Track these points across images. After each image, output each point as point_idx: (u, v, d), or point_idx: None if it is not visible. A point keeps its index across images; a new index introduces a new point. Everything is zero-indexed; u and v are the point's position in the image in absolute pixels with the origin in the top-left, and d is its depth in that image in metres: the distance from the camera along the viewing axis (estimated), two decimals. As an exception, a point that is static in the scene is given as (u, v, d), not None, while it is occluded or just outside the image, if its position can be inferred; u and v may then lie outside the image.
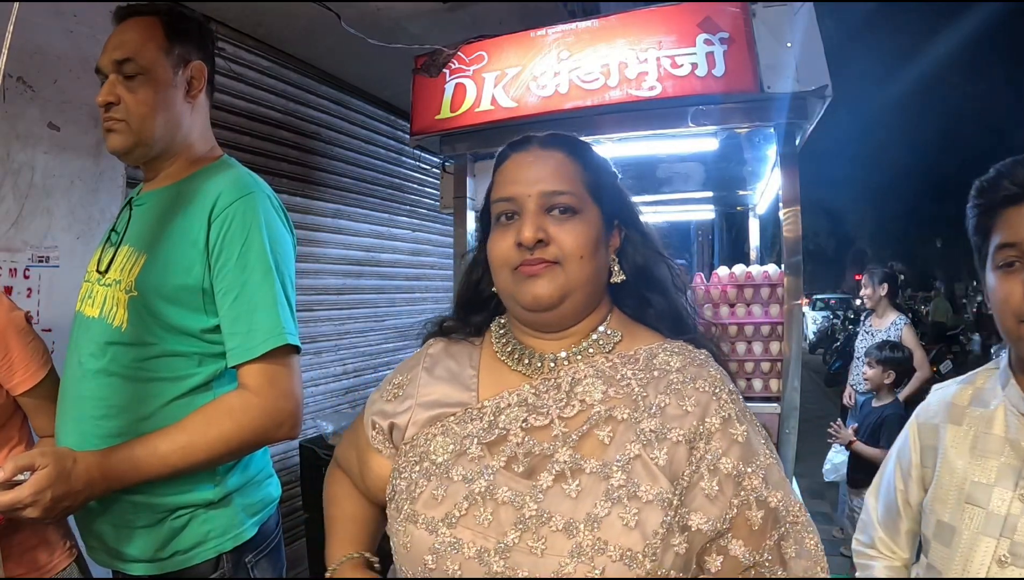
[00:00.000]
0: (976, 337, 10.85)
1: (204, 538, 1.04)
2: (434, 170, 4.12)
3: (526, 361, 0.76)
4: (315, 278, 3.20)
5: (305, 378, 2.97)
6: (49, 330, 1.88)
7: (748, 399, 2.11)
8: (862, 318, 3.84)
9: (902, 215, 20.47)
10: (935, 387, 1.02)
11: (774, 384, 2.11)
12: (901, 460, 1.01)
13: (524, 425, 0.70)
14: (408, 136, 2.41)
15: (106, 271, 1.09)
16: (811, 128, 2.05)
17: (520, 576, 0.61)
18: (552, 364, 0.75)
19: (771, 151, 2.29)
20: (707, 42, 1.92)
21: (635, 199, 0.84)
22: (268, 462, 1.18)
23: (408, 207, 4.03)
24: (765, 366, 2.14)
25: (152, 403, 1.02)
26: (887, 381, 2.98)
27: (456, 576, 0.63)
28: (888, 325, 3.56)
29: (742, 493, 0.64)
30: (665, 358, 0.73)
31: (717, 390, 0.69)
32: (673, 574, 0.61)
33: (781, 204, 1.95)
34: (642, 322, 0.80)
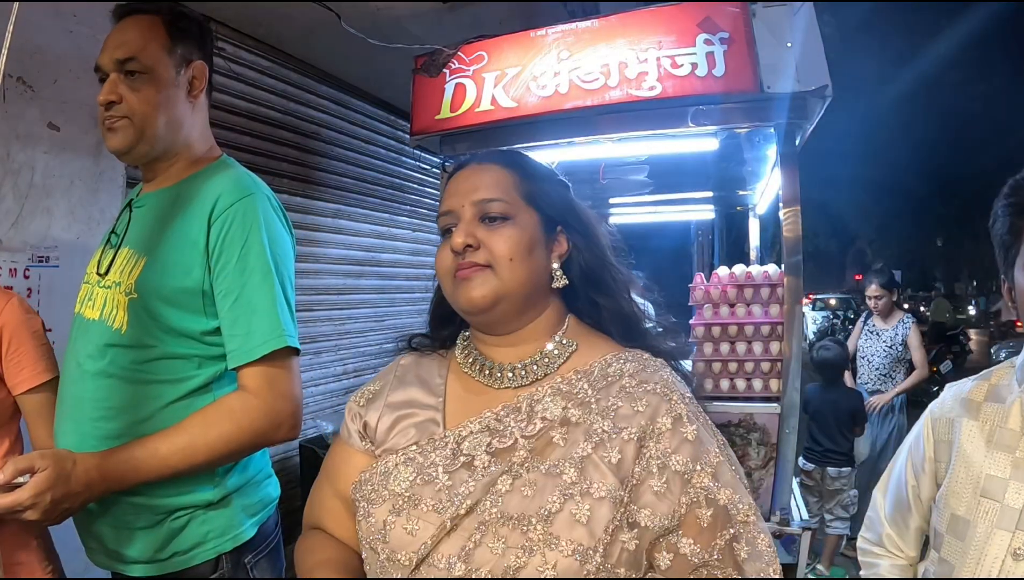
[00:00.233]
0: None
1: (203, 539, 1.04)
2: (434, 170, 4.13)
3: (486, 372, 0.79)
4: (315, 278, 3.20)
5: (305, 378, 2.97)
6: (49, 330, 1.87)
7: (748, 399, 2.13)
8: (863, 318, 3.82)
9: (902, 215, 20.50)
10: (949, 384, 1.02)
11: (774, 384, 2.11)
12: (913, 455, 1.01)
13: (488, 449, 0.71)
14: (408, 136, 2.42)
15: (106, 273, 1.09)
16: (811, 128, 2.05)
17: (480, 576, 0.62)
18: (511, 374, 0.77)
19: (771, 151, 2.30)
20: (707, 42, 1.92)
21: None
22: (267, 462, 1.18)
23: (408, 207, 4.03)
24: (765, 366, 2.14)
25: (151, 405, 1.02)
26: None
27: (420, 578, 0.65)
28: (896, 323, 3.55)
29: (691, 491, 0.66)
30: (619, 366, 0.75)
31: (668, 392, 0.71)
32: (623, 571, 0.63)
33: (781, 204, 1.95)
34: (599, 328, 0.82)
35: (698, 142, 2.19)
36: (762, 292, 2.19)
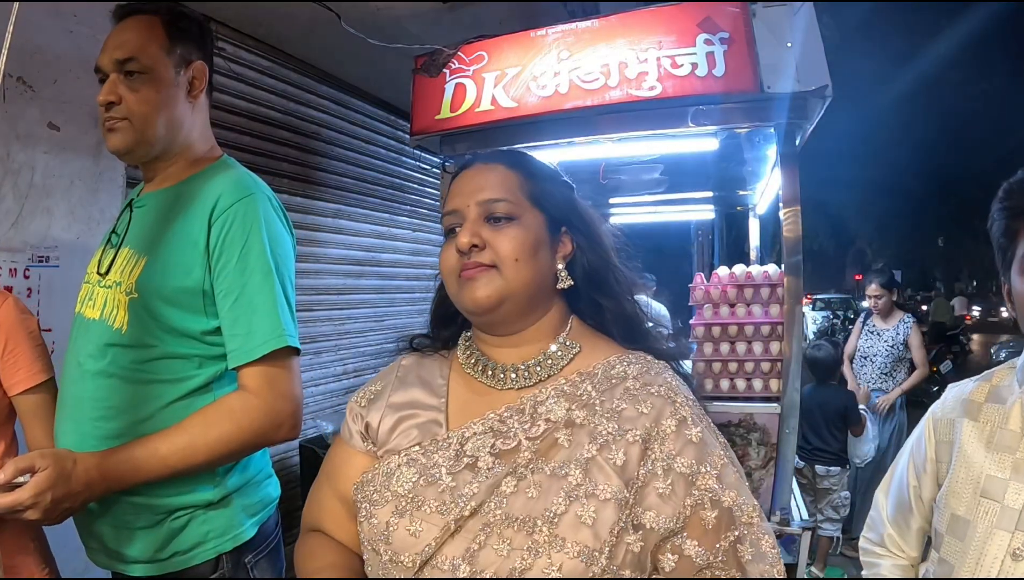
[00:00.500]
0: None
1: (204, 539, 1.04)
2: (434, 170, 4.13)
3: (489, 372, 0.78)
4: (315, 278, 3.20)
5: (305, 378, 2.97)
6: (49, 330, 1.87)
7: (748, 399, 2.13)
8: (862, 318, 3.82)
9: (902, 215, 20.48)
10: (951, 385, 1.02)
11: (774, 384, 2.11)
12: (915, 456, 1.02)
13: (492, 450, 0.71)
14: (408, 136, 2.41)
15: (106, 273, 1.09)
16: (811, 128, 2.05)
17: (485, 578, 0.62)
18: (514, 375, 0.77)
19: (771, 151, 2.29)
20: (707, 42, 1.92)
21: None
22: (267, 462, 1.18)
23: (408, 207, 4.03)
24: (765, 366, 2.14)
25: (152, 405, 1.02)
26: None
27: (425, 578, 0.65)
28: (897, 323, 3.55)
29: (695, 492, 0.66)
30: (623, 369, 0.75)
31: (673, 395, 0.72)
32: (628, 573, 0.63)
33: (781, 204, 1.95)
34: (602, 330, 0.82)
35: (698, 142, 2.19)
36: (762, 292, 2.19)
